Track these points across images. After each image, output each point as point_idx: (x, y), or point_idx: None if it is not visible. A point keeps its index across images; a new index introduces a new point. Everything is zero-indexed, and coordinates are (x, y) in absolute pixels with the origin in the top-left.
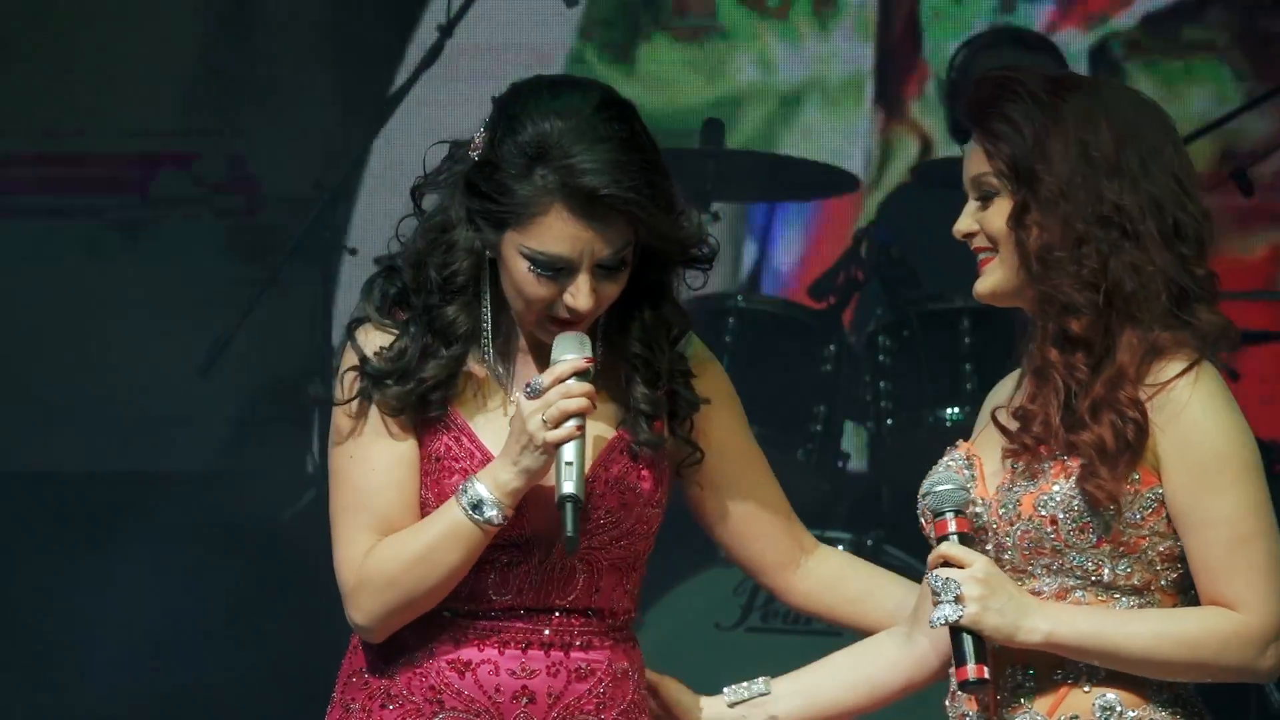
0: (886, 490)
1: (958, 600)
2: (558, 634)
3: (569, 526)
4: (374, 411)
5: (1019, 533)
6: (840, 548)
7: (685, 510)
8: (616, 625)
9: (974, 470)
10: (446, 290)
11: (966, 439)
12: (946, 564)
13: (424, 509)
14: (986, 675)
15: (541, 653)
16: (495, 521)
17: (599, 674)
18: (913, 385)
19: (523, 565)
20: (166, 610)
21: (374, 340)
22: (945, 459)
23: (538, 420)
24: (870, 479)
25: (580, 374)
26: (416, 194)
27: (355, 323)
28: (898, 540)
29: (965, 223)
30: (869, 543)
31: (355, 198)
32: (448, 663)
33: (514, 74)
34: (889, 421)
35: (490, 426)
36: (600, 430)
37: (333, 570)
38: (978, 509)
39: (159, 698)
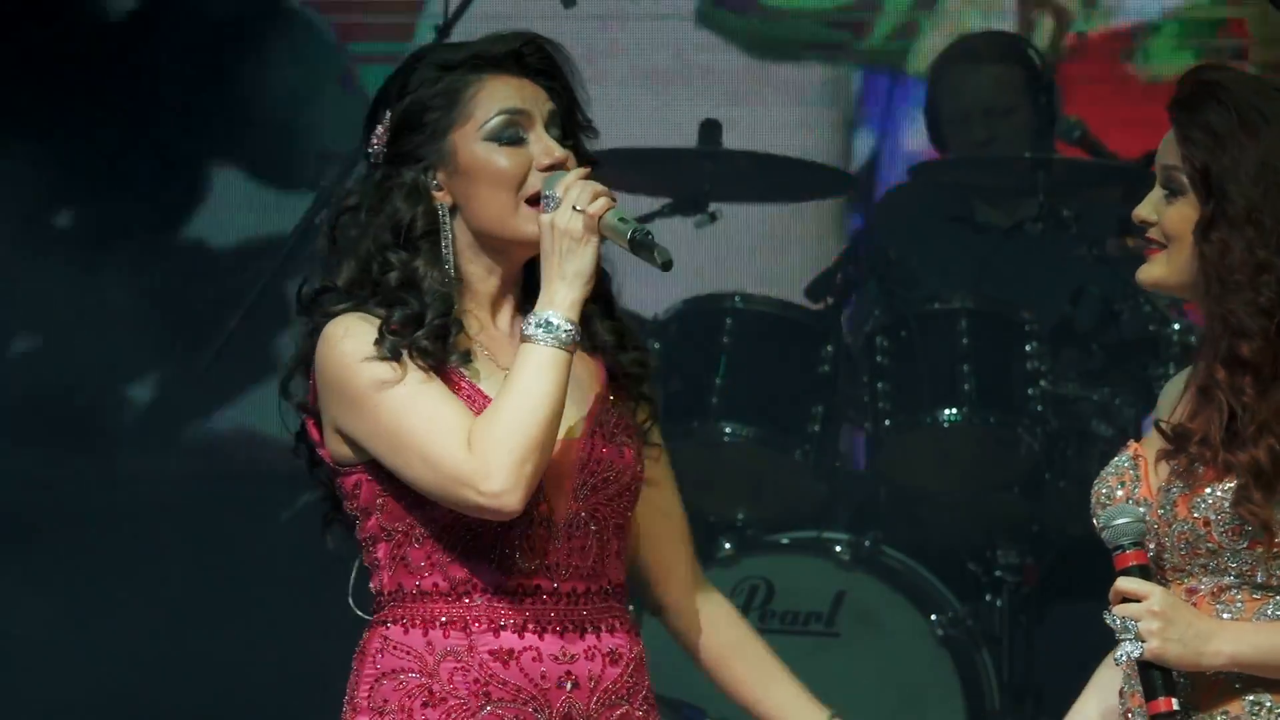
0: (884, 491)
1: (1137, 636)
2: (589, 617)
3: (652, 252)
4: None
5: (1176, 533)
6: (838, 549)
7: (683, 510)
8: (621, 599)
9: (1139, 470)
10: (408, 246)
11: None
12: (1125, 599)
13: None
14: (1176, 707)
15: (578, 636)
16: (572, 335)
17: (625, 659)
18: (910, 386)
19: (543, 532)
20: (160, 613)
21: (367, 321)
22: (1115, 460)
23: (568, 212)
24: (868, 480)
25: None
26: (332, 230)
27: (330, 316)
28: (895, 541)
29: (1147, 210)
30: (866, 544)
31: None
32: (490, 654)
33: None
34: (887, 422)
35: (490, 381)
36: (583, 393)
37: (324, 571)
38: (1141, 509)
39: (153, 701)
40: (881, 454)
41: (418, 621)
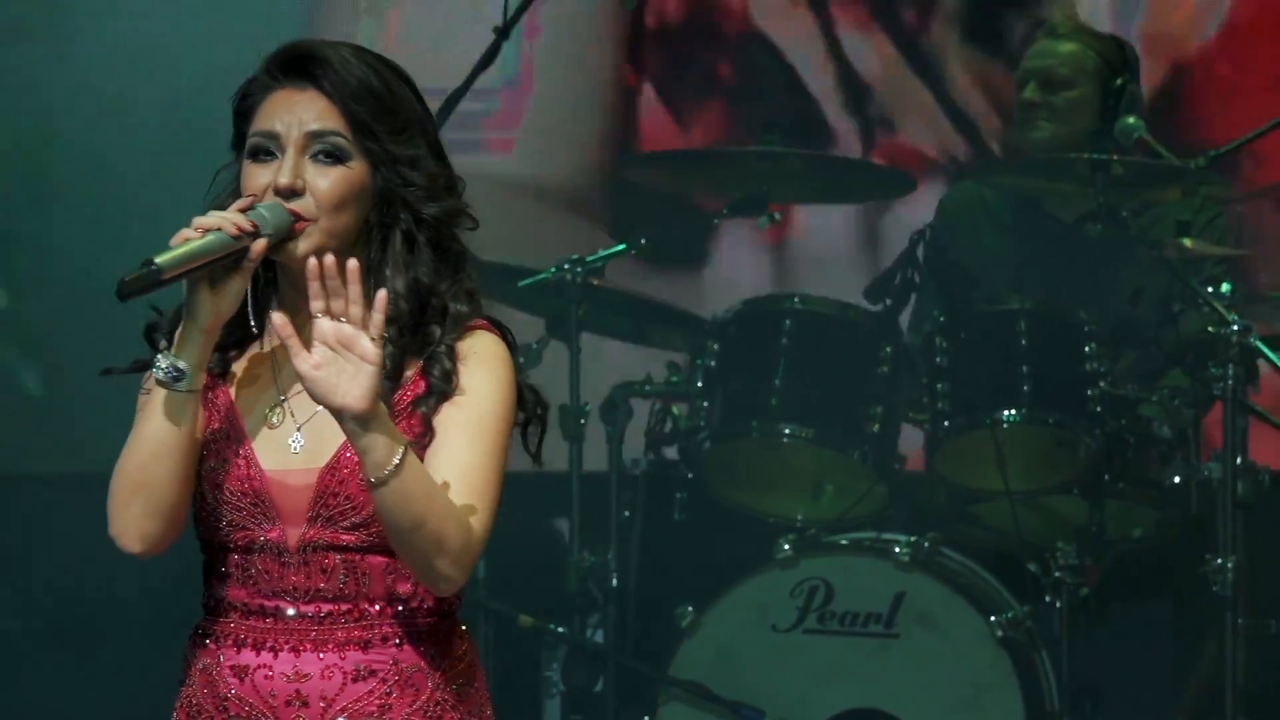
0: (943, 492)
1: None
2: (330, 632)
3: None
4: None
5: None
6: (898, 550)
7: (742, 512)
8: (411, 615)
9: None
10: None
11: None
12: None
13: None
14: None
15: (315, 655)
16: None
17: (381, 674)
18: (970, 387)
19: (273, 558)
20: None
21: None
22: None
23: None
24: (927, 481)
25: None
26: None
27: None
28: (954, 542)
29: None
30: (926, 544)
31: None
32: (230, 669)
33: (565, 75)
34: (946, 423)
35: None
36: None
37: None
38: None
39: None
40: (941, 455)
41: (190, 633)
